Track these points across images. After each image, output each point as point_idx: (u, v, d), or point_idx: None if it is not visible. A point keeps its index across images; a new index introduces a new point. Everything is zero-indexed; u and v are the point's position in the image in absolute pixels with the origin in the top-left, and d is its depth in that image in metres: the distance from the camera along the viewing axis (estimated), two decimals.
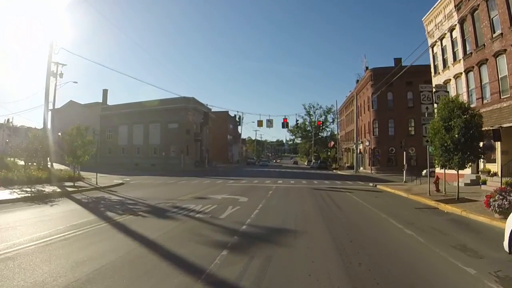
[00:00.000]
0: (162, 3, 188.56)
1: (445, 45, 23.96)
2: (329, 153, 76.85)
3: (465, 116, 11.80)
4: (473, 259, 5.64)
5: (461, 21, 21.49)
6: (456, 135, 11.53)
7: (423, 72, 41.49)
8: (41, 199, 13.00)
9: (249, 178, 28.50)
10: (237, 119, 31.99)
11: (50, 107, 39.38)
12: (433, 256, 5.79)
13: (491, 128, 16.31)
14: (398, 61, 41.02)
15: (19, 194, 13.47)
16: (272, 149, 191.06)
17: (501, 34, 17.10)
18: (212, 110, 64.70)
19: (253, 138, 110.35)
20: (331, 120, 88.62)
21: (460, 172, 20.53)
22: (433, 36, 25.63)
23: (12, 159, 24.82)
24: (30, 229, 7.29)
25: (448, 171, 22.71)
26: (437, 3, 24.13)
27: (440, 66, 24.58)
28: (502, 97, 17.21)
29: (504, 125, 16.20)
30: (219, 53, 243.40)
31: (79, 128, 18.89)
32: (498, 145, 17.42)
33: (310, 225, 8.25)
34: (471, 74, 20.81)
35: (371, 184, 22.45)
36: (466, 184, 19.28)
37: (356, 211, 10.68)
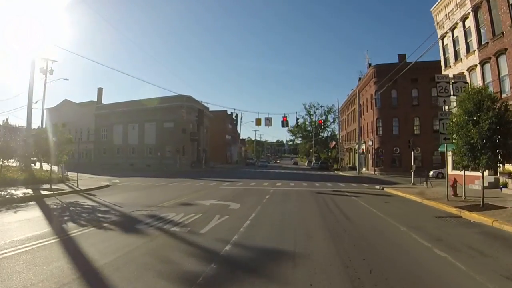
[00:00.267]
0: (158, 4, 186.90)
1: (457, 36, 22.17)
2: (329, 154, 75.14)
3: (495, 108, 10.00)
4: None
5: (475, 9, 19.71)
6: (486, 130, 9.71)
7: (428, 69, 39.82)
8: (6, 203, 11.41)
9: (246, 180, 26.71)
10: (233, 117, 30.01)
11: (39, 105, 37.64)
12: None
13: None
14: (402, 57, 39.17)
15: None
16: (272, 150, 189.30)
17: None
18: (210, 109, 63.28)
19: (253, 138, 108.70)
20: (331, 120, 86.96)
21: (476, 174, 18.86)
22: (443, 27, 23.85)
23: None
24: None
25: (462, 173, 20.93)
26: None
27: (451, 59, 22.78)
28: None
29: None
30: (219, 53, 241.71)
31: (56, 125, 17.16)
32: None
33: (314, 243, 6.44)
34: (487, 66, 19.02)
35: (377, 186, 20.65)
36: (484, 187, 17.46)
37: (368, 222, 8.85)
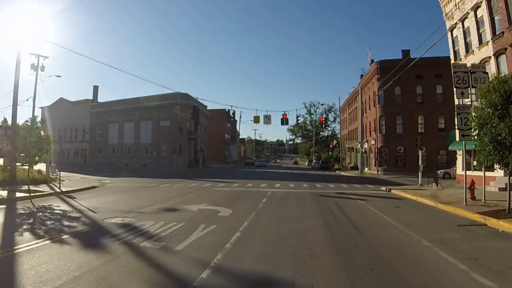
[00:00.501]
0: (158, 4, 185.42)
1: (468, 27, 20.69)
2: (330, 153, 73.74)
3: None
4: None
5: None
6: None
7: (433, 65, 38.44)
8: None
9: (243, 180, 25.28)
10: (231, 114, 28.58)
11: (29, 102, 36.12)
12: None
13: None
14: (406, 53, 37.71)
15: None
16: (272, 149, 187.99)
17: None
18: (209, 108, 61.70)
19: (253, 138, 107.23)
20: (332, 119, 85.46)
21: (491, 174, 17.43)
22: (452, 18, 22.38)
23: None
24: None
25: (476, 173, 19.50)
26: None
27: (462, 51, 21.30)
28: None
29: None
30: (219, 52, 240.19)
31: (34, 120, 15.70)
32: None
33: (318, 267, 4.98)
34: (502, 57, 17.57)
35: (383, 188, 19.20)
36: (500, 189, 16.08)
37: (382, 234, 7.39)
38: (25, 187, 15.94)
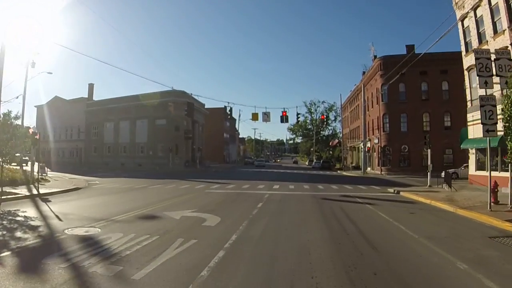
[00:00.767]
0: (153, 5, 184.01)
1: (481, 15, 19.19)
2: (331, 152, 72.34)
3: None
4: None
5: None
6: None
7: (439, 61, 36.87)
8: None
9: (240, 181, 23.81)
10: (228, 111, 27.14)
11: (18, 100, 34.50)
12: None
13: None
14: (410, 48, 36.28)
15: None
16: (272, 149, 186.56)
17: None
18: (208, 107, 60.24)
19: (253, 137, 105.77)
20: (333, 118, 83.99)
21: (505, 175, 15.95)
22: (463, 7, 20.89)
23: None
24: None
25: (493, 173, 17.96)
26: None
27: (475, 42, 19.77)
28: None
29: None
30: (218, 50, 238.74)
31: (7, 115, 14.19)
32: None
33: None
34: None
35: (391, 190, 17.71)
36: None
37: (405, 253, 5.81)
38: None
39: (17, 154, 28.37)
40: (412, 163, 36.52)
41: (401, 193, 16.14)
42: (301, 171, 44.42)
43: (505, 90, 9.87)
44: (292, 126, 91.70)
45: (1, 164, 14.99)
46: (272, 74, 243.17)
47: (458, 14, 21.33)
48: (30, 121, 68.33)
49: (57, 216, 9.27)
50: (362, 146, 40.93)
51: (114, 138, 52.24)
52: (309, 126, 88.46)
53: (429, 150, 20.72)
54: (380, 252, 5.75)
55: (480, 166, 19.29)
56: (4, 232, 7.13)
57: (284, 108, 28.78)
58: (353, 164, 51.08)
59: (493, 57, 10.78)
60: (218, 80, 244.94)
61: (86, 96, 57.65)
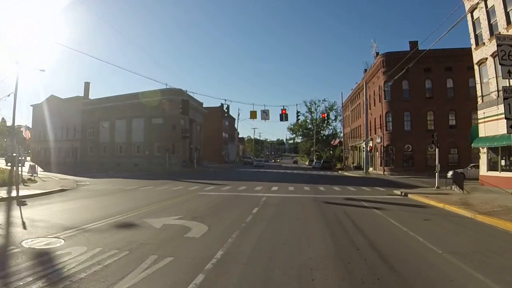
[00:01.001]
0: (155, 6, 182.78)
1: (493, 5, 18.01)
2: (331, 152, 71.20)
3: None
4: None
5: None
6: None
7: (443, 57, 35.67)
8: None
9: (237, 182, 22.64)
10: (225, 108, 26.01)
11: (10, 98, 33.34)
12: None
13: None
14: (414, 44, 34.98)
15: None
16: (273, 149, 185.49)
17: None
18: (206, 106, 59.00)
19: (252, 137, 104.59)
20: (333, 118, 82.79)
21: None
22: None
23: None
24: None
25: (505, 174, 16.85)
26: None
27: (486, 35, 18.60)
28: None
29: None
30: (218, 49, 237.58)
31: None
32: None
33: None
34: None
35: (397, 192, 16.53)
36: None
37: (432, 276, 4.66)
38: None
39: (14, 154, 27.31)
40: (416, 163, 35.36)
41: (409, 195, 14.96)
42: (301, 171, 43.24)
43: None
44: (292, 126, 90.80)
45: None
46: (272, 74, 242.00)
47: (467, 5, 20.15)
48: (27, 120, 67.19)
49: (23, 223, 8.14)
50: (364, 146, 39.76)
51: (110, 138, 51.14)
52: (309, 126, 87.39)
53: (437, 149, 19.52)
54: (400, 274, 4.58)
55: (492, 166, 18.12)
56: None
57: (283, 106, 27.61)
58: (354, 164, 49.92)
59: None
60: (219, 79, 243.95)
61: (86, 96, 56.52)
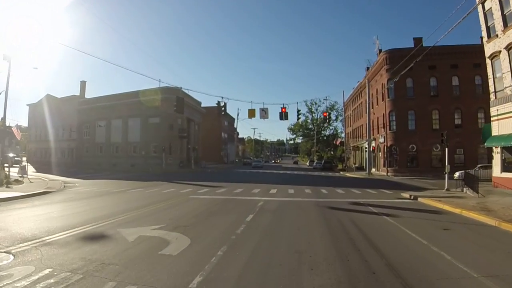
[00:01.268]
0: (156, 4, 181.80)
1: None
2: (332, 152, 70.00)
3: None
4: None
5: None
6: None
7: (448, 54, 34.40)
8: None
9: (234, 183, 21.47)
10: (221, 107, 24.86)
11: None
12: None
13: None
14: (418, 41, 33.70)
15: None
16: (273, 149, 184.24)
17: None
18: (205, 105, 57.77)
19: (252, 137, 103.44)
20: (334, 118, 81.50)
21: None
22: None
23: None
24: None
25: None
26: None
27: (499, 26, 17.39)
28: None
29: None
30: (219, 48, 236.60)
31: None
32: None
33: None
34: None
35: (406, 195, 15.34)
36: None
37: None
38: None
39: (11, 155, 26.23)
40: (421, 163, 34.12)
41: (419, 199, 13.76)
42: (302, 172, 42.01)
43: None
44: (292, 126, 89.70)
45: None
46: (273, 73, 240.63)
47: None
48: (24, 120, 65.81)
49: None
50: (367, 146, 38.51)
51: (106, 138, 49.94)
52: (310, 126, 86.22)
53: (446, 149, 18.32)
54: None
55: (507, 167, 16.89)
56: None
57: (283, 104, 26.37)
58: (356, 165, 48.66)
59: None
60: (219, 79, 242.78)
61: (86, 96, 55.36)
